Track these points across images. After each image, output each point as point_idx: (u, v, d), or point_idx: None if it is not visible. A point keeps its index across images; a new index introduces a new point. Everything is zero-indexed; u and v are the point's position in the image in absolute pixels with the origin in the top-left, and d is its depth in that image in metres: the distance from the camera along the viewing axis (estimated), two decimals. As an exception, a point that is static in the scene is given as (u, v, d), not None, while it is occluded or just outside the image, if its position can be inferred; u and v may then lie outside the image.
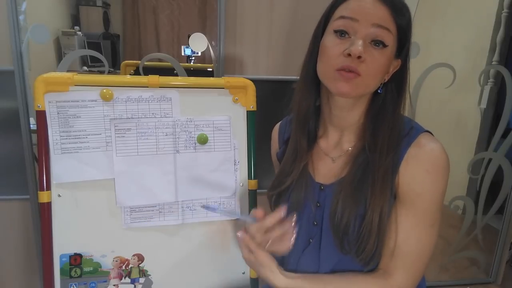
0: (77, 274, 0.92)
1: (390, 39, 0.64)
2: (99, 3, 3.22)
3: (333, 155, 0.76)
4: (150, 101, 0.92)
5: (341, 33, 0.65)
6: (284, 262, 0.81)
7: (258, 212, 0.68)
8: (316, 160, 0.78)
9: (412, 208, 0.67)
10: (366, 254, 0.67)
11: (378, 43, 0.63)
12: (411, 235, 0.67)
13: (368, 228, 0.66)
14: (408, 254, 0.67)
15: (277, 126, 0.91)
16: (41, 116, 0.87)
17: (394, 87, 0.70)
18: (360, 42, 0.62)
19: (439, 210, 0.68)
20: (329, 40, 0.66)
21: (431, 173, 0.65)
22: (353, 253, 0.69)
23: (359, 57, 0.62)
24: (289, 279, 0.69)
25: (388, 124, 0.68)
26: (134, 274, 0.95)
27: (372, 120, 0.71)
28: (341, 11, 0.66)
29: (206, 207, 0.77)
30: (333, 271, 0.73)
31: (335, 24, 0.66)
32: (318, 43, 0.69)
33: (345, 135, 0.75)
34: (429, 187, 0.65)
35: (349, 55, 0.62)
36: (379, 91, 0.70)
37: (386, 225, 0.67)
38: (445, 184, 0.67)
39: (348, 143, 0.75)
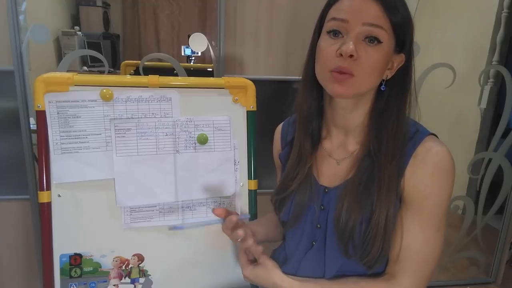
0: (77, 274, 0.92)
1: (384, 36, 0.62)
2: (99, 3, 3.22)
3: (337, 156, 0.75)
4: (150, 101, 0.92)
5: (334, 33, 0.64)
6: (285, 264, 0.81)
7: (218, 210, 0.77)
8: (320, 162, 0.77)
9: (418, 212, 0.66)
10: (371, 257, 0.67)
11: (373, 39, 0.62)
12: (417, 239, 0.67)
13: (374, 232, 0.65)
14: (414, 258, 0.67)
15: (279, 127, 0.90)
16: (41, 116, 0.87)
17: (398, 83, 0.69)
18: (351, 41, 0.61)
19: (445, 213, 0.67)
20: (323, 41, 0.66)
21: (437, 176, 0.65)
22: (358, 257, 0.68)
23: (351, 56, 0.61)
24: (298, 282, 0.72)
25: (392, 125, 0.68)
26: (134, 274, 0.95)
27: (376, 121, 0.70)
28: (333, 12, 0.65)
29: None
30: (337, 274, 0.73)
31: (328, 25, 0.66)
32: (315, 44, 0.69)
33: (349, 137, 0.74)
34: (435, 190, 0.65)
35: (342, 55, 0.62)
36: (382, 88, 0.69)
37: (392, 228, 0.66)
38: (451, 188, 0.66)
39: (353, 145, 0.74)
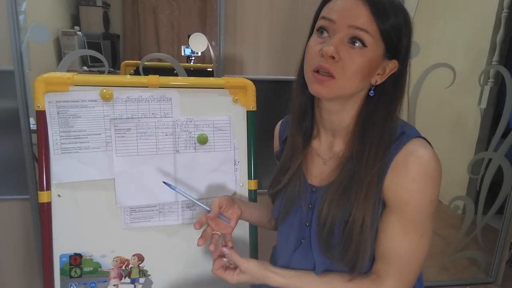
0: (77, 274, 0.92)
1: (369, 40, 0.61)
2: (99, 3, 3.23)
3: (324, 156, 0.76)
4: (150, 101, 0.92)
5: (321, 32, 0.64)
6: (275, 261, 0.82)
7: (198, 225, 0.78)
8: (309, 160, 0.78)
9: (400, 216, 0.66)
10: (348, 259, 0.67)
11: (356, 41, 0.61)
12: (401, 243, 0.66)
13: (349, 236, 0.65)
14: (399, 261, 0.67)
15: (278, 125, 0.91)
16: (41, 116, 0.87)
17: (389, 90, 0.68)
18: (334, 42, 0.61)
19: (430, 219, 0.66)
20: (312, 40, 0.66)
21: (417, 181, 0.63)
22: (336, 257, 0.69)
23: (333, 57, 0.61)
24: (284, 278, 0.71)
25: (377, 130, 0.66)
26: (134, 274, 0.95)
27: (362, 125, 0.69)
28: (325, 10, 0.65)
29: (168, 184, 0.83)
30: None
31: (318, 23, 0.66)
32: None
33: (337, 138, 0.74)
34: (415, 195, 0.64)
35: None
36: (370, 93, 0.68)
37: (368, 234, 0.65)
38: (435, 193, 0.65)
39: (339, 146, 0.74)
